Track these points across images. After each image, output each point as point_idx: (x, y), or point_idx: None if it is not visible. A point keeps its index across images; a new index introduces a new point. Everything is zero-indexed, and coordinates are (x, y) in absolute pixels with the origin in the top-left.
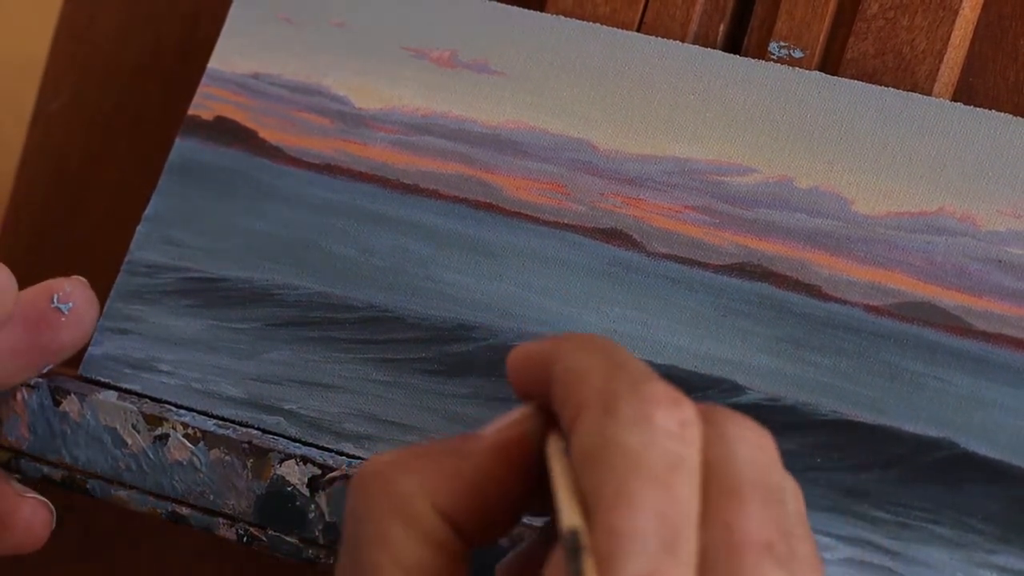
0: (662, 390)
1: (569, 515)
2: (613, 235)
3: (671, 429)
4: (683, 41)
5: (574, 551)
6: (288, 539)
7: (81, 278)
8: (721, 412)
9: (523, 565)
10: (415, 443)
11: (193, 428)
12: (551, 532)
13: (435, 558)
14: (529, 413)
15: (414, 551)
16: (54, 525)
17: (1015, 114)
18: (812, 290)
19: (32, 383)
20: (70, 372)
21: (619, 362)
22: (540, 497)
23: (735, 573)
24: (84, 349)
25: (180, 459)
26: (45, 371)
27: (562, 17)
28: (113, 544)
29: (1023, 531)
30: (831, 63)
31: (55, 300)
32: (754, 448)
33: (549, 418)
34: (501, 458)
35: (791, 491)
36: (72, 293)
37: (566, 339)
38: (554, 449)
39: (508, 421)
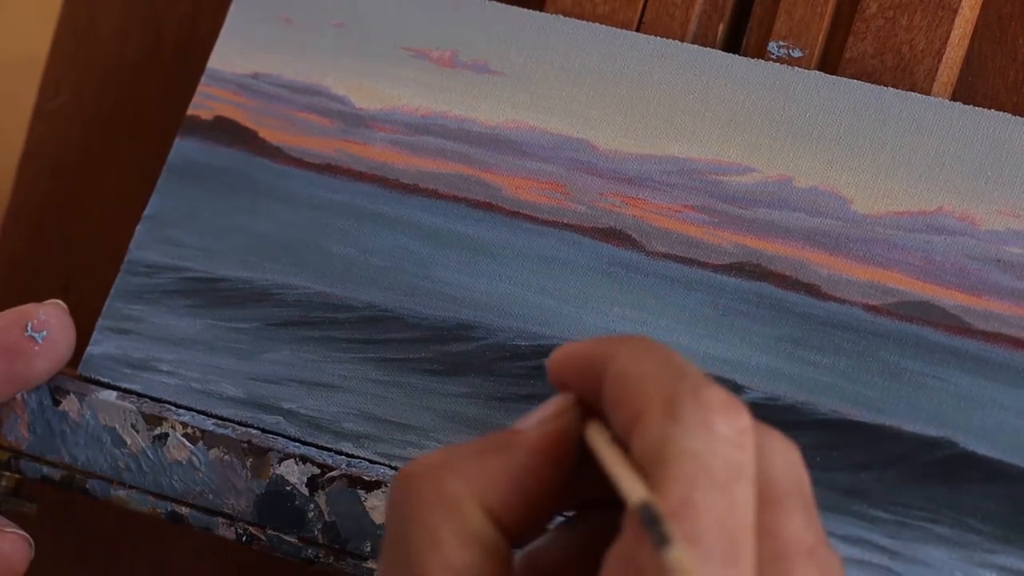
0: (722, 396)
1: (637, 490)
2: (612, 235)
3: (731, 436)
4: (682, 41)
5: (653, 520)
6: (287, 538)
7: (58, 303)
8: (758, 422)
9: (543, 560)
10: (457, 443)
11: (192, 428)
12: (576, 527)
13: (484, 560)
14: (568, 405)
15: (464, 553)
16: (32, 557)
17: (1014, 113)
18: (811, 289)
19: None
20: (70, 372)
21: (677, 367)
22: (574, 491)
23: None
24: (81, 352)
25: (179, 459)
26: (17, 396)
27: (561, 17)
28: (113, 544)
29: (1022, 531)
30: (830, 62)
31: (29, 328)
32: (789, 459)
33: (588, 410)
34: (545, 454)
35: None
36: (47, 321)
37: (621, 341)
38: (598, 436)
39: (548, 413)
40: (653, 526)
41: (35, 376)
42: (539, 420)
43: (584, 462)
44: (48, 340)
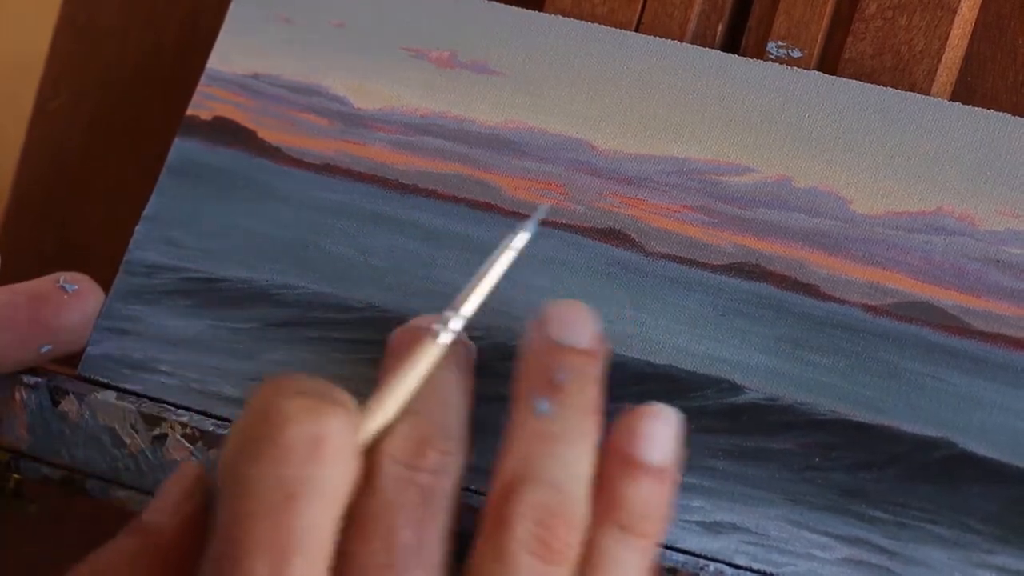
0: (304, 404)
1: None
2: (611, 235)
3: (296, 450)
4: (681, 41)
5: None
6: None
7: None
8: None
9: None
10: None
11: (191, 428)
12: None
13: None
14: (193, 482)
15: None
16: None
17: (1014, 113)
18: (810, 290)
19: (31, 383)
20: (69, 372)
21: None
22: None
23: None
24: (83, 349)
25: (179, 459)
26: (43, 351)
27: (560, 17)
28: None
29: (1021, 531)
30: (829, 63)
31: (60, 280)
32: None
33: None
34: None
35: None
36: (79, 278)
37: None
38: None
39: (175, 499)
40: None
41: (60, 327)
42: (170, 510)
43: None
44: (78, 293)
